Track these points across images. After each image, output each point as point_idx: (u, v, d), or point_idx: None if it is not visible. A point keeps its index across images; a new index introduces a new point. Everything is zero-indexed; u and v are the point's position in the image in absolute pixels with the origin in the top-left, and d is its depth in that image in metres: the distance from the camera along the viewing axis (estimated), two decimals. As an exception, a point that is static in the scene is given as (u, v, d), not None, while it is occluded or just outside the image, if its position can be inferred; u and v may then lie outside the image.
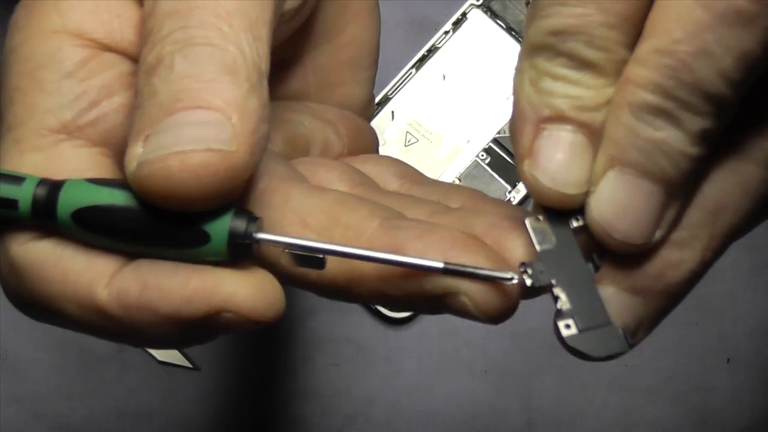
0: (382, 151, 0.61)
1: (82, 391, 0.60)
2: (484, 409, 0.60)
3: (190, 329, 0.33)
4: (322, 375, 0.61)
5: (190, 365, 0.61)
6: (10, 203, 0.33)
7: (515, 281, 0.34)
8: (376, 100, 0.61)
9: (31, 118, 0.34)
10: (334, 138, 0.42)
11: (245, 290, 0.33)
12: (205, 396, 0.60)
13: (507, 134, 0.62)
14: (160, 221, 0.33)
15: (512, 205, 0.48)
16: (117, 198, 0.33)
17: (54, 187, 0.33)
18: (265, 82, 0.33)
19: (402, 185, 0.40)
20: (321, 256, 0.34)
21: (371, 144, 0.45)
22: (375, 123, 0.60)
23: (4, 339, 0.61)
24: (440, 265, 0.34)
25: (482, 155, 0.61)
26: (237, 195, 0.32)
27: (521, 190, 0.61)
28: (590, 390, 0.60)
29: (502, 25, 0.63)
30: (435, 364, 0.61)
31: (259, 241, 0.33)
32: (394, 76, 0.62)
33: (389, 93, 0.61)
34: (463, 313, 0.34)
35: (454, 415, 0.60)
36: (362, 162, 0.40)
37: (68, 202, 0.33)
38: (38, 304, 0.34)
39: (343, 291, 0.35)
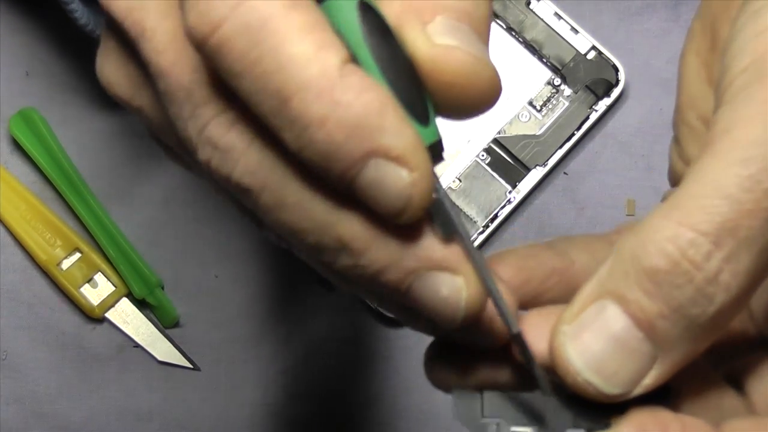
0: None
1: (82, 391, 0.60)
2: (484, 409, 0.60)
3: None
4: (322, 375, 0.61)
5: (190, 365, 0.61)
6: None
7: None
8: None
9: None
10: None
11: (405, 141, 0.32)
12: (205, 396, 0.60)
13: (507, 134, 0.62)
14: (411, 70, 0.33)
15: None
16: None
17: None
18: None
19: None
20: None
21: None
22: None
23: (4, 339, 0.61)
24: (516, 330, 0.34)
25: (482, 155, 0.61)
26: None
27: (521, 190, 0.61)
28: (590, 390, 0.60)
29: (502, 25, 0.63)
30: (435, 364, 0.61)
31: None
32: (394, 76, 0.62)
33: (389, 93, 0.61)
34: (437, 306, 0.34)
35: (454, 415, 0.60)
36: None
37: None
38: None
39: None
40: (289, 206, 0.33)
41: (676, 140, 0.42)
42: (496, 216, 0.61)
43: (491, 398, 0.36)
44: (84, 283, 0.61)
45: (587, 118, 0.62)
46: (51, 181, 0.62)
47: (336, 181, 0.32)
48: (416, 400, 0.60)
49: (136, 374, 0.61)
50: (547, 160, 0.61)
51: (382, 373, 0.61)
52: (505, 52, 0.62)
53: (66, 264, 0.61)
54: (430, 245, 0.33)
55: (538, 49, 0.62)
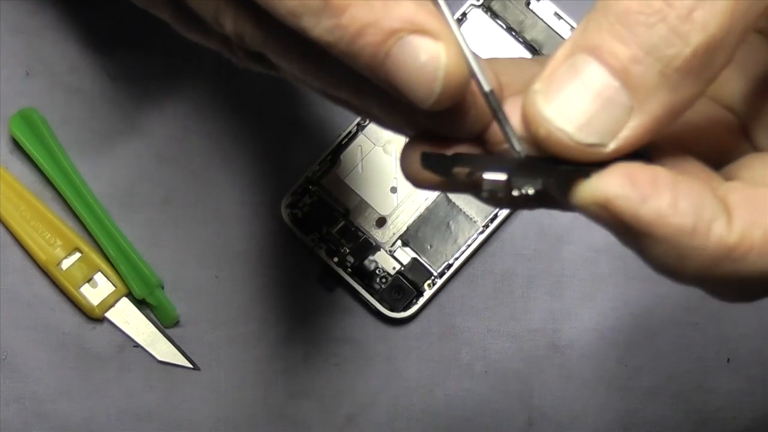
0: (382, 149, 0.61)
1: (82, 391, 0.60)
2: (484, 409, 0.60)
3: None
4: (322, 375, 0.61)
5: (190, 365, 0.61)
6: None
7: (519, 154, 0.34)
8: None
9: None
10: None
11: None
12: (205, 396, 0.60)
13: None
14: None
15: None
16: None
17: None
18: None
19: None
20: None
21: None
22: (375, 123, 0.60)
23: (4, 339, 0.61)
24: (487, 88, 0.34)
25: (482, 155, 0.61)
26: None
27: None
28: (590, 390, 0.60)
29: (502, 25, 0.63)
30: (435, 364, 0.61)
31: None
32: (394, 76, 0.61)
33: (389, 93, 0.61)
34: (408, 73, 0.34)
35: (454, 415, 0.60)
36: None
37: None
38: None
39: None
40: None
41: None
42: (495, 216, 0.61)
43: (463, 156, 0.35)
44: (84, 283, 0.61)
45: (587, 118, 0.62)
46: (51, 181, 0.62)
47: None
48: (416, 400, 0.60)
49: (136, 374, 0.61)
50: (547, 160, 0.61)
51: (382, 373, 0.61)
52: (505, 52, 0.62)
53: (66, 264, 0.61)
54: (411, 7, 0.33)
55: (538, 49, 0.62)
